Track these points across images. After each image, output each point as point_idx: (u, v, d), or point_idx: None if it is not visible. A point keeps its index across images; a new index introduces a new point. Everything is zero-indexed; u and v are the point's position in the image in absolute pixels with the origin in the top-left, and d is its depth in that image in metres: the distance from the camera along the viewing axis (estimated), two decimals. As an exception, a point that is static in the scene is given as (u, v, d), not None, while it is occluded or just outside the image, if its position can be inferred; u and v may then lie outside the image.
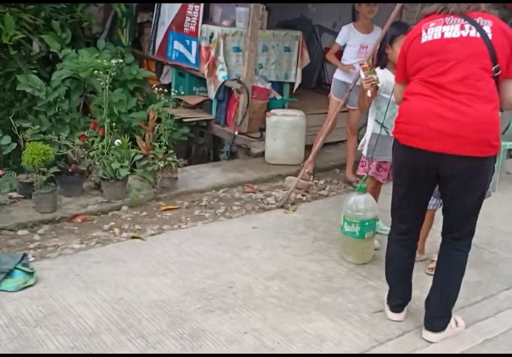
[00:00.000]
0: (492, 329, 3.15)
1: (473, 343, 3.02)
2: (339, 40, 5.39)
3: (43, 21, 6.27)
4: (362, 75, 3.84)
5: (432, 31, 2.73)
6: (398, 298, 3.17)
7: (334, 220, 4.25)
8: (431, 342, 3.00)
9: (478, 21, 2.68)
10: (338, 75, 5.33)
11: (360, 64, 3.97)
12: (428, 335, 3.03)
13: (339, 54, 5.45)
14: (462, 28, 2.68)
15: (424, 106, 2.72)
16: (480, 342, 3.04)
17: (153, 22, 6.95)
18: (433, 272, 3.17)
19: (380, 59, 3.89)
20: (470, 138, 2.65)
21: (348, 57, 5.30)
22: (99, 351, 2.77)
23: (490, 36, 2.64)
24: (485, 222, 4.34)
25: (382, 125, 3.86)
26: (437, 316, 3.02)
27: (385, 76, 3.85)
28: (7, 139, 4.56)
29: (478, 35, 2.65)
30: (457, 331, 3.09)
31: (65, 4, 6.71)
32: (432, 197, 3.16)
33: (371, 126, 3.99)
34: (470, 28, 2.67)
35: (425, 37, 2.75)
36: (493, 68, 2.65)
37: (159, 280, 3.45)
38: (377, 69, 3.88)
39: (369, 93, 3.80)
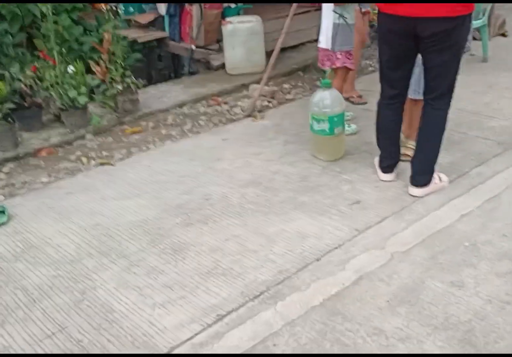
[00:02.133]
0: (467, 204, 3.20)
1: (451, 219, 3.08)
2: None
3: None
4: None
5: None
6: (388, 159, 3.44)
7: (302, 122, 4.20)
8: (415, 197, 3.25)
9: None
10: None
11: None
12: (413, 190, 3.30)
13: None
14: None
15: None
16: (457, 218, 3.09)
17: None
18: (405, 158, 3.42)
19: None
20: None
21: None
22: (83, 275, 2.78)
23: None
24: (453, 103, 4.29)
25: (341, 15, 3.85)
26: (420, 172, 3.26)
27: None
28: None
29: None
30: (441, 186, 3.34)
31: None
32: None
33: (330, 18, 3.92)
34: None
35: None
36: None
37: (134, 202, 3.42)
38: None
39: None
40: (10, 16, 5.13)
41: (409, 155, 3.50)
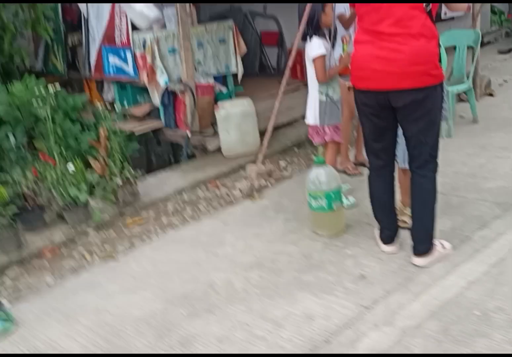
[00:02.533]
0: (473, 270, 3.17)
1: (458, 288, 3.04)
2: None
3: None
4: (343, 50, 4.09)
5: None
6: (387, 230, 3.45)
7: (301, 198, 4.22)
8: (419, 267, 3.24)
9: None
10: None
11: (344, 38, 4.13)
12: (416, 260, 3.28)
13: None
14: None
15: (366, 51, 3.03)
16: (465, 285, 3.05)
17: (83, 41, 6.81)
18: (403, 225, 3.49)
19: (318, 29, 3.97)
20: (407, 72, 2.93)
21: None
22: (90, 379, 2.73)
23: None
24: (447, 168, 4.38)
25: (327, 95, 4.04)
26: (420, 240, 3.26)
27: (325, 45, 3.99)
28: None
29: None
30: (445, 254, 3.32)
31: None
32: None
33: (316, 96, 4.10)
34: None
35: None
36: (424, 4, 2.91)
37: (139, 295, 3.40)
38: (315, 38, 3.98)
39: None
40: (14, 121, 5.31)
41: (407, 222, 3.51)
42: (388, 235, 3.45)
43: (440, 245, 3.34)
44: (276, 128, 5.58)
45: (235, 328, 2.97)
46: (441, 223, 3.45)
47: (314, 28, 3.99)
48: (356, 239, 3.68)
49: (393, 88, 2.98)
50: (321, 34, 3.99)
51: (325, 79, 3.99)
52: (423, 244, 3.26)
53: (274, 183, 4.80)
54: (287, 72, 4.79)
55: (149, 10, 6.07)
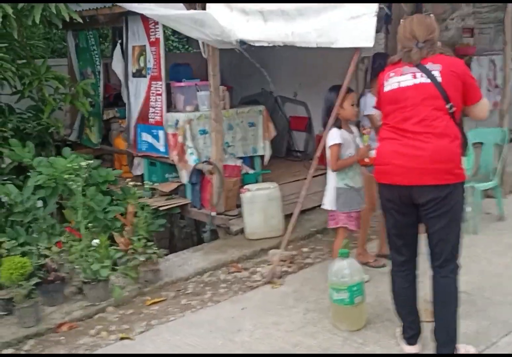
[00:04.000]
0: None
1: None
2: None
3: (11, 132, 6.37)
4: (362, 142, 4.17)
5: (391, 81, 3.17)
6: (410, 329, 3.35)
7: (323, 287, 4.18)
8: None
9: (428, 67, 3.06)
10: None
11: (365, 130, 4.23)
12: None
13: None
14: (414, 76, 3.09)
15: (390, 148, 3.14)
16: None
17: (127, 119, 7.03)
18: None
19: (336, 120, 4.15)
20: (429, 169, 3.02)
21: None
22: None
23: (439, 79, 3.03)
24: (473, 265, 4.34)
25: (343, 182, 4.17)
26: (443, 343, 3.17)
27: (343, 135, 4.15)
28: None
29: (429, 80, 3.04)
30: None
31: (31, 112, 6.88)
32: None
33: (333, 182, 4.22)
34: (422, 76, 3.06)
35: (387, 87, 3.20)
36: (447, 106, 3.04)
37: (152, 380, 3.34)
38: (334, 130, 4.15)
39: (367, 159, 4.09)
40: (49, 191, 5.45)
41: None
42: (412, 335, 3.35)
43: (464, 350, 3.23)
44: (301, 213, 5.60)
45: None
46: (465, 326, 3.36)
47: (333, 119, 4.15)
48: (377, 336, 3.60)
49: (415, 183, 3.06)
50: (341, 125, 4.15)
51: (336, 168, 4.13)
52: (446, 347, 3.18)
53: (296, 270, 4.76)
54: (315, 161, 4.86)
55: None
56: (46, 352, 3.73)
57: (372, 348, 3.47)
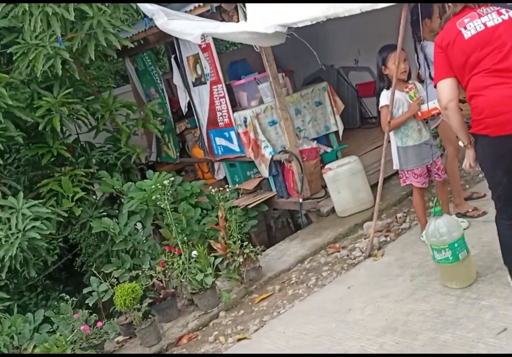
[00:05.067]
0: None
1: None
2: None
3: (97, 167, 6.69)
4: (410, 97, 4.09)
5: (472, 26, 2.93)
6: None
7: (425, 250, 4.06)
8: None
9: (502, 5, 2.91)
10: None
11: (407, 88, 4.12)
12: None
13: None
14: (499, 13, 2.91)
15: (501, 94, 2.83)
16: None
17: (198, 128, 7.19)
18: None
19: (383, 81, 4.18)
20: None
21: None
22: None
23: None
24: None
25: (402, 141, 4.18)
26: None
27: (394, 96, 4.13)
28: (103, 286, 4.74)
29: None
30: None
31: (110, 144, 7.17)
32: None
33: (394, 142, 4.26)
34: (506, 11, 2.89)
35: (468, 33, 2.94)
36: None
37: (277, 375, 3.39)
38: (384, 91, 4.18)
39: (419, 113, 4.06)
40: (142, 213, 5.69)
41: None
42: None
43: None
44: (387, 179, 5.49)
45: (376, 400, 2.86)
46: None
47: (382, 80, 4.20)
48: (490, 287, 3.45)
49: None
50: (390, 86, 4.14)
51: (385, 128, 4.16)
52: None
53: (394, 237, 4.66)
54: (388, 124, 4.71)
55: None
56: (173, 366, 3.90)
57: (488, 301, 3.33)
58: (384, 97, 4.14)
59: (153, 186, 5.60)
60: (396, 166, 4.30)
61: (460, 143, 3.32)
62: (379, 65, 4.15)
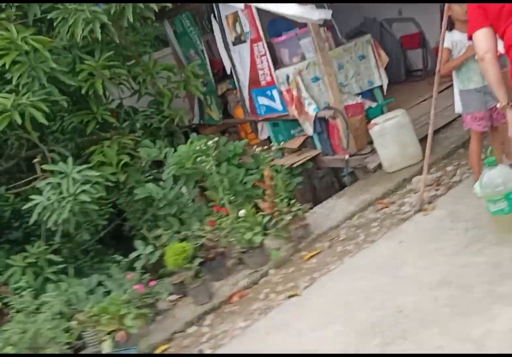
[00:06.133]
0: None
1: None
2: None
3: (142, 131, 6.72)
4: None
5: None
6: None
7: (478, 203, 3.94)
8: None
9: None
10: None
11: None
12: None
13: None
14: None
15: None
16: None
17: (237, 88, 7.12)
18: None
19: (449, 23, 4.08)
20: None
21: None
22: None
23: None
24: None
25: (463, 84, 4.11)
26: None
27: (454, 36, 4.06)
28: (149, 248, 4.82)
29: None
30: None
31: (153, 107, 7.18)
32: None
33: (456, 85, 4.22)
34: None
35: None
36: None
37: (329, 330, 3.39)
38: (446, 33, 4.07)
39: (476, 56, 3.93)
40: (184, 178, 5.71)
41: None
42: None
43: None
44: (436, 132, 5.32)
45: (431, 352, 2.82)
46: None
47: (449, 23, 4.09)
48: (549, 237, 3.34)
49: None
50: (453, 27, 4.06)
51: (443, 71, 4.13)
52: None
53: (445, 191, 4.54)
54: (437, 76, 4.53)
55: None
56: (225, 323, 3.95)
57: (546, 251, 3.23)
58: (445, 40, 4.07)
59: (192, 150, 5.55)
60: (458, 109, 4.27)
61: (498, 105, 3.09)
62: (442, 6, 4.11)
